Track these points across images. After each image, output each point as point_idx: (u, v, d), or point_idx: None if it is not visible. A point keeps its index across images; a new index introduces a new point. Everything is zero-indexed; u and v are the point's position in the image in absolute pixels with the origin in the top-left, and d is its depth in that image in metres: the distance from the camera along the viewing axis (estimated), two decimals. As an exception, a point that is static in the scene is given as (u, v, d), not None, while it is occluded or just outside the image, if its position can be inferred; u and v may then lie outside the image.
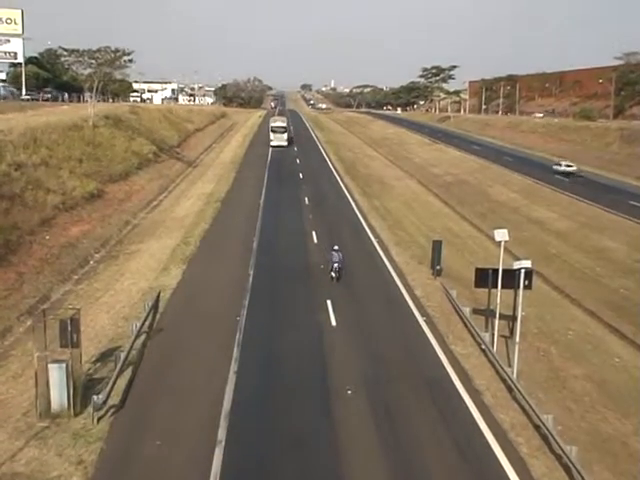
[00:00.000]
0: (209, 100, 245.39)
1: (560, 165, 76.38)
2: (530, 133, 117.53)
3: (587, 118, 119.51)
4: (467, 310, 27.32)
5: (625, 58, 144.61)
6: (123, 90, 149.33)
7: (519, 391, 20.16)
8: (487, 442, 17.88)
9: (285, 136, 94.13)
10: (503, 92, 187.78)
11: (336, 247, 32.13)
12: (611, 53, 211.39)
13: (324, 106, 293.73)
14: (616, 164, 79.99)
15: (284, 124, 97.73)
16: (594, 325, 31.84)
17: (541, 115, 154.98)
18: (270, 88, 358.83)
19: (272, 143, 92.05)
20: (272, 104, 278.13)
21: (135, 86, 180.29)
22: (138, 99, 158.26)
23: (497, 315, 24.18)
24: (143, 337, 24.42)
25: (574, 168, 74.74)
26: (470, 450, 17.60)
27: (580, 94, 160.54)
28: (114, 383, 19.89)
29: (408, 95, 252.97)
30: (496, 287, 23.92)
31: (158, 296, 28.50)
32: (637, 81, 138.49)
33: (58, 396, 18.62)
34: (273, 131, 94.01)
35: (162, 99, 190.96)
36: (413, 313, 28.13)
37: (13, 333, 26.09)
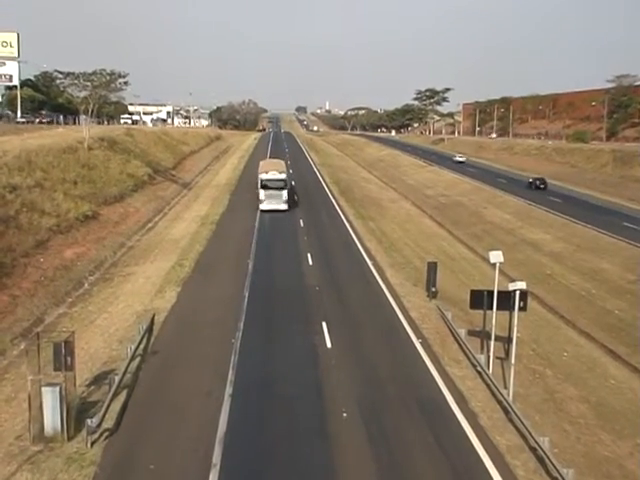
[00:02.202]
0: (204, 122, 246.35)
1: (455, 156, 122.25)
2: (524, 155, 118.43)
3: (580, 140, 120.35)
4: (462, 332, 27.28)
5: (617, 81, 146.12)
6: (118, 112, 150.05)
7: (515, 413, 20.10)
8: (484, 465, 17.78)
9: (284, 194, 57.97)
10: (497, 114, 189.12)
11: None
12: (603, 76, 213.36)
13: (315, 128, 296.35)
14: (609, 186, 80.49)
15: (282, 175, 59.22)
16: (589, 346, 31.87)
17: (494, 136, 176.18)
18: (265, 110, 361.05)
19: (262, 206, 57.29)
20: (261, 126, 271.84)
21: (130, 108, 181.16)
22: (129, 121, 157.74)
23: (492, 337, 24.16)
24: (138, 360, 24.31)
25: (464, 159, 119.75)
26: (467, 473, 17.50)
27: (573, 116, 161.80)
28: (108, 406, 19.76)
29: (402, 117, 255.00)
30: (491, 309, 23.94)
31: (152, 319, 28.43)
32: (629, 104, 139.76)
33: (51, 420, 18.47)
34: (264, 187, 57.94)
35: (151, 120, 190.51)
36: (409, 335, 28.07)
37: (6, 356, 25.96)
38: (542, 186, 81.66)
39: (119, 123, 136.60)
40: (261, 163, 67.02)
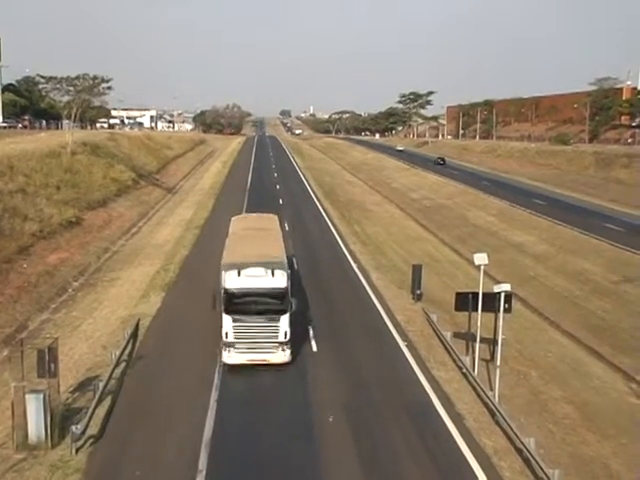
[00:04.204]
0: (188, 127, 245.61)
1: (397, 147, 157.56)
2: (507, 157, 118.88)
3: (563, 143, 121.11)
4: (448, 334, 27.35)
5: (598, 84, 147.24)
6: (102, 117, 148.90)
7: (501, 415, 20.17)
8: (470, 466, 17.83)
9: (281, 328, 24.10)
10: (480, 117, 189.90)
11: None
12: (585, 79, 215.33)
13: (297, 132, 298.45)
14: (591, 187, 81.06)
15: (278, 280, 24.34)
16: (573, 347, 32.01)
17: (450, 137, 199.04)
18: (249, 114, 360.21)
19: (229, 357, 23.93)
20: (230, 129, 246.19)
21: (114, 113, 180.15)
22: (105, 125, 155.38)
23: (478, 339, 24.23)
24: (122, 365, 24.16)
25: (403, 148, 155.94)
26: (454, 475, 17.55)
27: (556, 119, 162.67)
28: (93, 413, 19.65)
29: (386, 121, 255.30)
30: (476, 311, 24.00)
31: (137, 324, 28.26)
32: (610, 106, 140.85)
33: (35, 427, 18.32)
34: (235, 309, 23.96)
35: (128, 124, 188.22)
36: (394, 338, 28.10)
37: (-11, 363, 25.70)
38: (442, 162, 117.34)
39: (95, 128, 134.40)
40: (232, 231, 32.59)
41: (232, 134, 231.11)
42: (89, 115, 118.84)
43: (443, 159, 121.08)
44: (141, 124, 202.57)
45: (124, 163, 74.27)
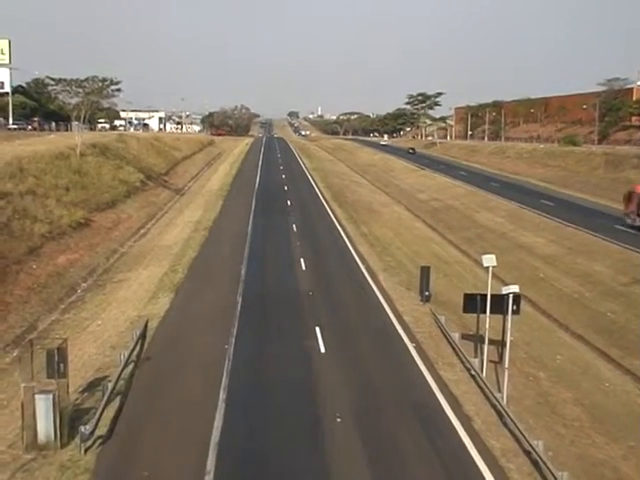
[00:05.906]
0: (196, 128, 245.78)
1: (381, 142, 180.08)
2: (516, 159, 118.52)
3: (572, 144, 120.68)
4: (456, 336, 27.30)
5: (608, 84, 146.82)
6: (110, 119, 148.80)
7: (509, 416, 20.11)
8: (478, 468, 17.78)
9: None
10: (489, 118, 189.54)
11: None
12: (594, 79, 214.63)
13: (304, 132, 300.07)
14: (601, 189, 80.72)
15: None
16: (582, 349, 31.93)
17: (435, 138, 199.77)
18: (257, 116, 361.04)
19: None
20: (222, 129, 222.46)
21: (123, 115, 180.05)
22: (107, 126, 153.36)
23: (486, 340, 24.19)
24: (131, 366, 24.23)
25: (388, 142, 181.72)
26: (460, 475, 17.51)
27: (565, 120, 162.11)
28: (101, 413, 19.69)
29: (395, 122, 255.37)
30: (484, 312, 23.95)
31: (146, 325, 28.34)
32: (620, 107, 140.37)
33: (45, 427, 18.36)
34: None
35: (131, 124, 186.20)
36: (402, 339, 28.07)
37: (-1, 364, 25.84)
38: (412, 152, 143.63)
39: (98, 129, 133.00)
40: None
41: (221, 135, 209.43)
42: (98, 117, 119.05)
43: (413, 149, 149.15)
44: (146, 125, 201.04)
45: (133, 165, 74.47)
